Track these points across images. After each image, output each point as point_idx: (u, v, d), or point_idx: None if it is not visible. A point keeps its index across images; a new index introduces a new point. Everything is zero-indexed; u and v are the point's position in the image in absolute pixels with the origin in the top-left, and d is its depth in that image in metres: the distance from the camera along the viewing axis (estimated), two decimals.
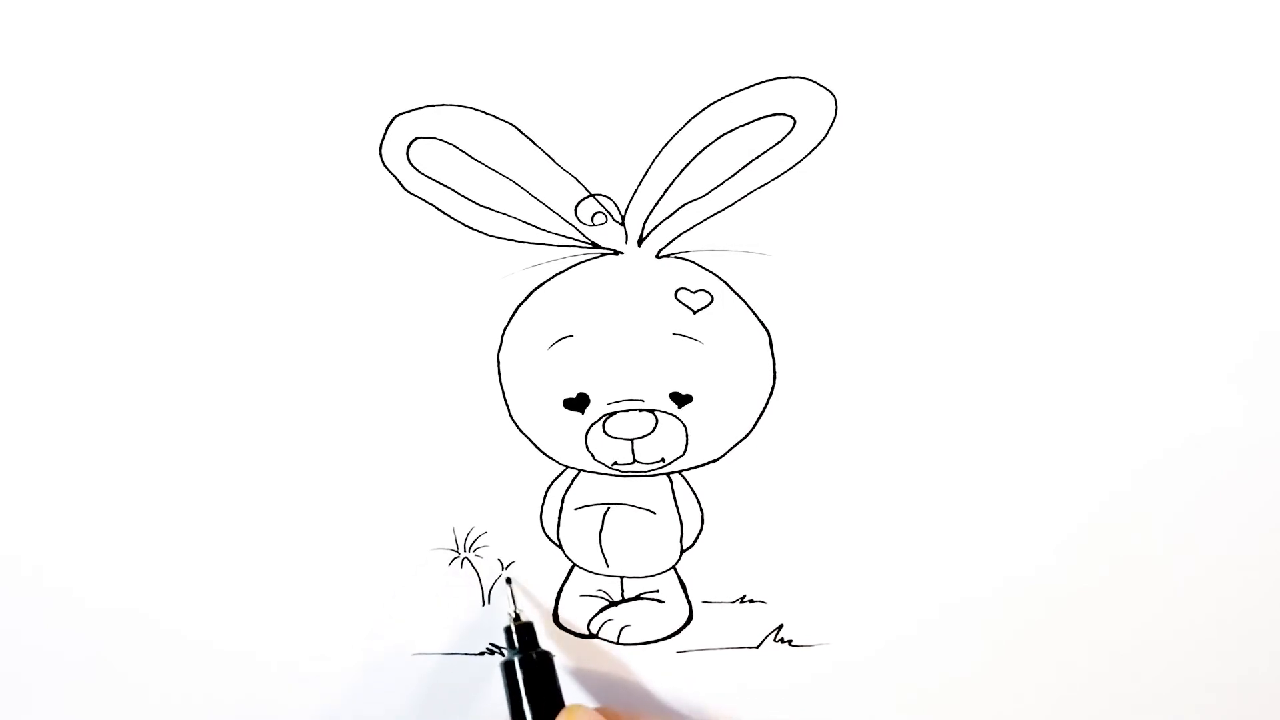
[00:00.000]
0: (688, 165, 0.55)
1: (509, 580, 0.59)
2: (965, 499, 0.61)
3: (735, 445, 0.59)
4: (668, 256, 0.57)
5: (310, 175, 0.55)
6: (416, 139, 0.55)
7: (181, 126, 0.54)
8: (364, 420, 0.59)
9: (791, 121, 0.54)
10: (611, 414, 0.57)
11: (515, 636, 0.59)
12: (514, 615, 0.59)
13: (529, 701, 0.57)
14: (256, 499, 0.60)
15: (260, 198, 0.55)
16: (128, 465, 0.60)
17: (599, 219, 0.56)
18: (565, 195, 0.55)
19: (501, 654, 0.61)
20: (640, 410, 0.57)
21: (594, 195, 0.55)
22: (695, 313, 0.56)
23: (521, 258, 0.56)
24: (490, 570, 0.61)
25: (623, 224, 0.56)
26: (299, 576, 0.61)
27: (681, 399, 0.57)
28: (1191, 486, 0.61)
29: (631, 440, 0.57)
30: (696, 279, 0.57)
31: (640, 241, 0.56)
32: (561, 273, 0.57)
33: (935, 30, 0.54)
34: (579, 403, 0.57)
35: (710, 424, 0.58)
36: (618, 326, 0.57)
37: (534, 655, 0.58)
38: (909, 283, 0.57)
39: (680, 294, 0.56)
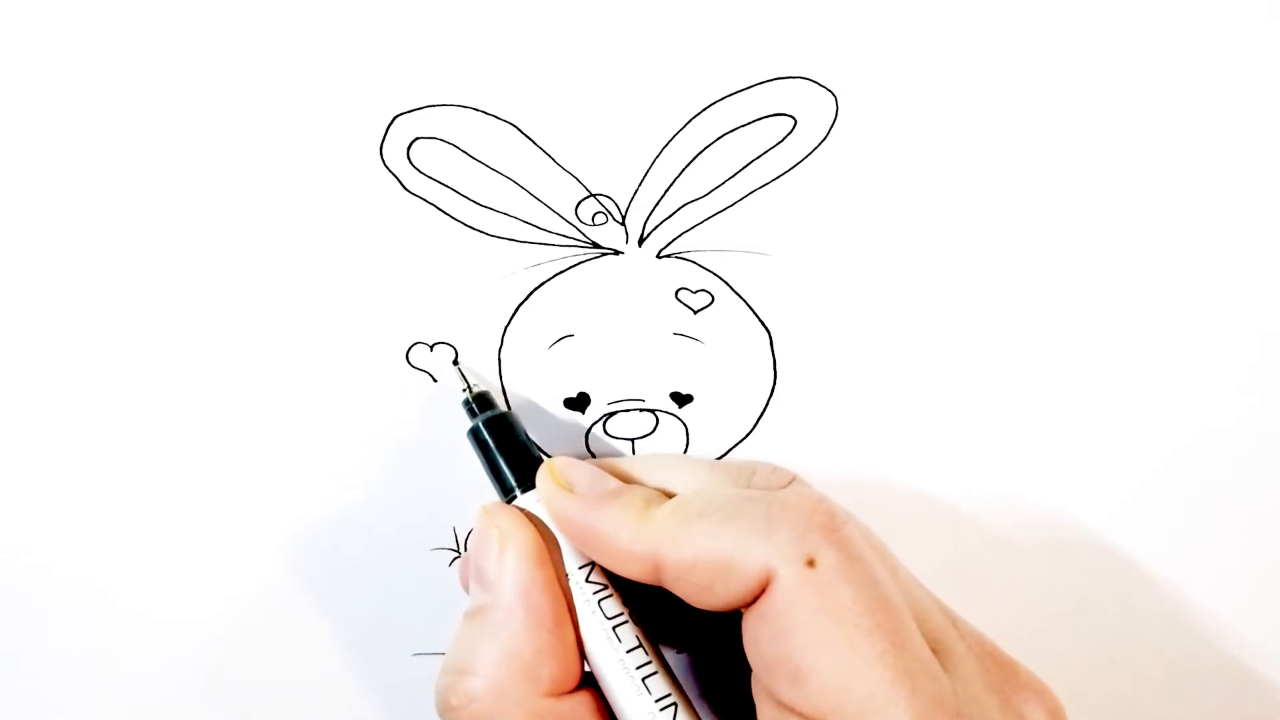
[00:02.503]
0: (688, 165, 0.55)
1: (455, 361, 0.58)
2: (966, 500, 0.61)
3: (736, 445, 0.59)
4: (668, 256, 0.57)
5: (312, 175, 0.55)
6: (417, 139, 0.54)
7: (182, 127, 0.54)
8: (364, 419, 0.59)
9: (792, 122, 0.54)
10: (612, 414, 0.57)
11: (475, 405, 0.56)
12: (467, 388, 0.57)
13: (505, 459, 0.55)
14: (256, 498, 0.60)
15: (262, 197, 0.55)
16: (126, 463, 0.60)
17: (600, 219, 0.56)
18: (566, 195, 0.55)
19: None
20: (641, 410, 0.57)
21: (595, 195, 0.55)
22: (696, 313, 0.57)
23: (522, 257, 0.56)
24: None
25: (623, 224, 0.56)
26: (299, 577, 0.62)
27: (682, 399, 0.57)
28: (1194, 487, 0.61)
29: (632, 440, 0.58)
30: (697, 279, 0.57)
31: (641, 241, 0.56)
32: (562, 272, 0.57)
33: (936, 30, 0.54)
34: (580, 402, 0.58)
35: (711, 424, 0.58)
36: (618, 326, 0.57)
37: (497, 415, 0.56)
38: (910, 283, 0.57)
39: (681, 294, 0.57)
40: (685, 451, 0.58)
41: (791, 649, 0.44)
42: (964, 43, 0.54)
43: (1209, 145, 0.56)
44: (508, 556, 0.50)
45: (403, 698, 0.62)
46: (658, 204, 0.55)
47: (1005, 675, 0.49)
